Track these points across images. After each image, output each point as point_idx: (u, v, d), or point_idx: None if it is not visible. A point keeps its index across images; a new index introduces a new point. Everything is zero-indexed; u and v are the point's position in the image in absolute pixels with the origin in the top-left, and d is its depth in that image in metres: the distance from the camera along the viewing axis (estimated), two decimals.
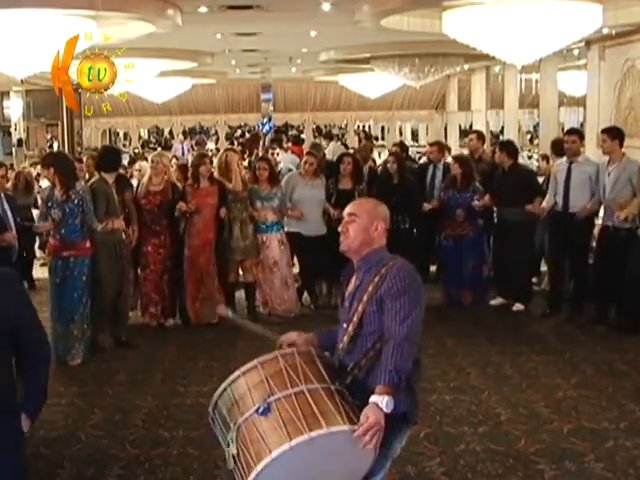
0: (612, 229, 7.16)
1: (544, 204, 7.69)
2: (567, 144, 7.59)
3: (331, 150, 14.73)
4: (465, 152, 10.42)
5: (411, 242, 8.21)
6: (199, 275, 7.52)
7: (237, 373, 2.86)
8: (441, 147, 9.81)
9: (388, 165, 8.37)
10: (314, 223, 7.96)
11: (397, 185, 8.24)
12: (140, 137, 24.21)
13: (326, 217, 7.99)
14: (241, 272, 7.91)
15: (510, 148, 8.22)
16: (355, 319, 2.99)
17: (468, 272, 8.14)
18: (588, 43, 11.82)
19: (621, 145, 7.25)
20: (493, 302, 8.18)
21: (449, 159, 9.94)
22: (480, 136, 9.58)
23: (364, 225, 3.07)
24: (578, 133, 7.95)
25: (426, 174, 9.20)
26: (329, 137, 19.16)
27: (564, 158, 7.73)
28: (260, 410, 2.66)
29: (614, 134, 7.27)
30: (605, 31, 10.27)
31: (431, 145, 9.93)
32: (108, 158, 7.31)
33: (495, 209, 8.32)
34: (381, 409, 2.72)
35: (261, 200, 7.75)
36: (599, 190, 7.30)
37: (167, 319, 7.64)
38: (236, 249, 7.60)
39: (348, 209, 3.17)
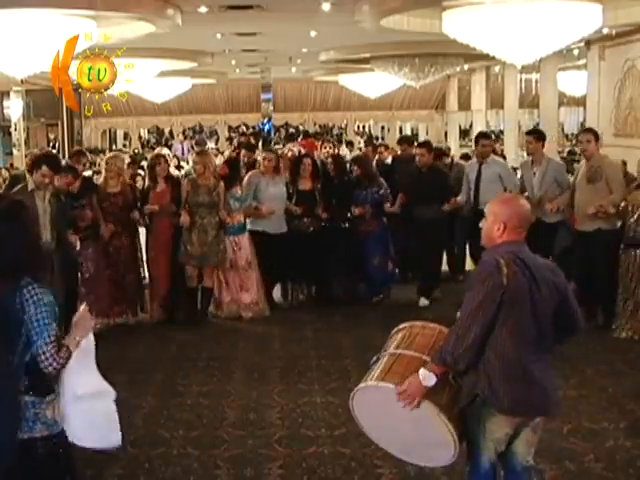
0: (543, 223, 7.43)
1: (459, 199, 8.07)
2: (484, 147, 8.16)
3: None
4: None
5: (349, 242, 8.24)
6: (159, 275, 7.53)
7: (392, 332, 3.64)
8: (411, 143, 9.77)
9: (327, 167, 8.42)
10: (277, 221, 7.92)
11: (336, 186, 8.27)
12: (140, 137, 24.21)
13: (286, 217, 7.99)
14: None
15: (433, 149, 8.57)
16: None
17: (373, 267, 8.22)
18: (588, 43, 11.84)
19: (543, 146, 7.80)
20: (421, 304, 8.18)
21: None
22: (411, 143, 9.65)
23: (489, 224, 3.34)
24: (489, 138, 8.91)
25: (394, 171, 9.19)
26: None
27: (474, 159, 8.49)
28: (372, 361, 3.48)
29: (538, 136, 7.81)
30: (605, 31, 10.29)
31: (399, 142, 10.10)
32: None
33: (406, 207, 8.28)
34: (420, 381, 3.16)
35: (237, 201, 7.71)
36: (529, 189, 7.66)
37: (133, 317, 7.58)
38: (193, 255, 7.50)
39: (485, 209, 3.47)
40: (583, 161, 7.54)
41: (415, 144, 9.21)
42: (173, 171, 11.29)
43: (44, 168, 6.36)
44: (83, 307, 3.19)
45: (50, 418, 3.06)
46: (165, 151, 11.76)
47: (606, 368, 6.17)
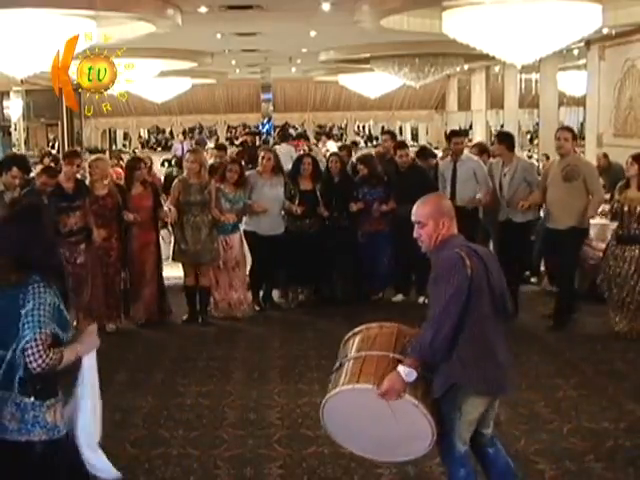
0: (512, 223, 7.54)
1: None
2: (456, 145, 8.20)
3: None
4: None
5: (351, 241, 8.21)
6: (139, 276, 7.52)
7: (345, 338, 3.64)
8: (394, 137, 9.85)
9: (330, 165, 8.42)
10: (272, 222, 7.89)
11: (338, 184, 8.25)
12: (140, 137, 24.20)
13: (286, 219, 7.97)
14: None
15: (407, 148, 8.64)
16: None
17: (384, 267, 8.22)
18: (588, 43, 11.86)
19: (510, 149, 7.72)
20: (394, 299, 8.27)
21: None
22: (394, 137, 9.77)
23: (431, 228, 3.46)
24: (462, 135, 9.21)
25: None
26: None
27: (448, 157, 8.55)
28: (335, 367, 3.53)
29: (501, 138, 7.89)
30: (605, 31, 10.30)
31: (383, 134, 10.16)
32: None
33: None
34: (402, 377, 3.23)
35: (228, 202, 7.71)
36: (497, 189, 7.68)
37: (120, 320, 7.54)
38: (187, 253, 7.51)
39: (414, 217, 3.53)
40: (555, 159, 7.56)
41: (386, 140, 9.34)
42: (159, 171, 11.26)
43: (14, 169, 6.43)
44: (93, 326, 3.24)
45: (50, 422, 2.97)
46: (147, 152, 11.70)
47: (606, 368, 6.17)
